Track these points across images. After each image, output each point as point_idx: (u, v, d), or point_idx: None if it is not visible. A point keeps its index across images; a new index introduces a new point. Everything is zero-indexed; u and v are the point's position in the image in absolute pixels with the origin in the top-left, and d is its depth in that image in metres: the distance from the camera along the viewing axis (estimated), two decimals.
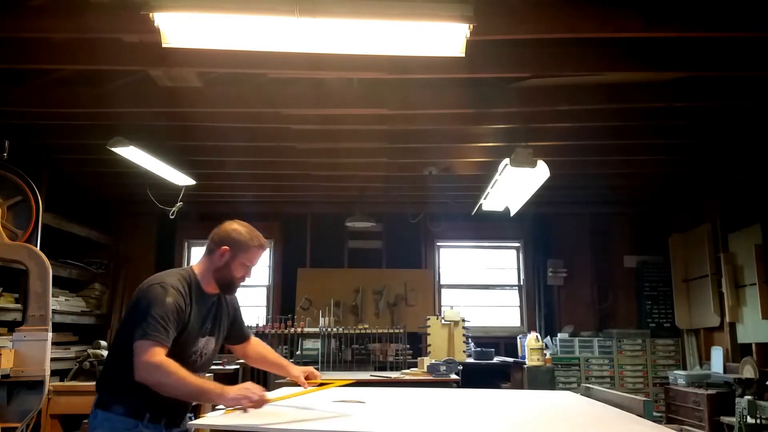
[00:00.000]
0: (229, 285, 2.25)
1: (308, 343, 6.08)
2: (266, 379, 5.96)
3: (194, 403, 2.39)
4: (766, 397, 4.98)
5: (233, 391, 1.98)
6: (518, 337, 6.93)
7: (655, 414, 6.04)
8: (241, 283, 2.30)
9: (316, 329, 5.94)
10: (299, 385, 2.50)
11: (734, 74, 3.92)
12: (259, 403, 1.99)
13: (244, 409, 2.01)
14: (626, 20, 3.12)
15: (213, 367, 5.47)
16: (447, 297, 7.65)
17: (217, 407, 2.30)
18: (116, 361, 2.12)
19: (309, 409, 2.33)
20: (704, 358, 6.52)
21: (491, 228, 7.36)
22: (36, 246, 3.74)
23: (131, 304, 2.13)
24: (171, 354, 2.09)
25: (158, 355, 1.96)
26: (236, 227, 2.26)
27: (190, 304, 2.14)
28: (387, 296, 7.23)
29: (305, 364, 5.47)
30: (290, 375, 2.52)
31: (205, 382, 2.00)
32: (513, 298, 7.72)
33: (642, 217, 7.46)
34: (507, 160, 4.56)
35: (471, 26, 2.43)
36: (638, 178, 6.38)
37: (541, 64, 3.71)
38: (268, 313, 7.32)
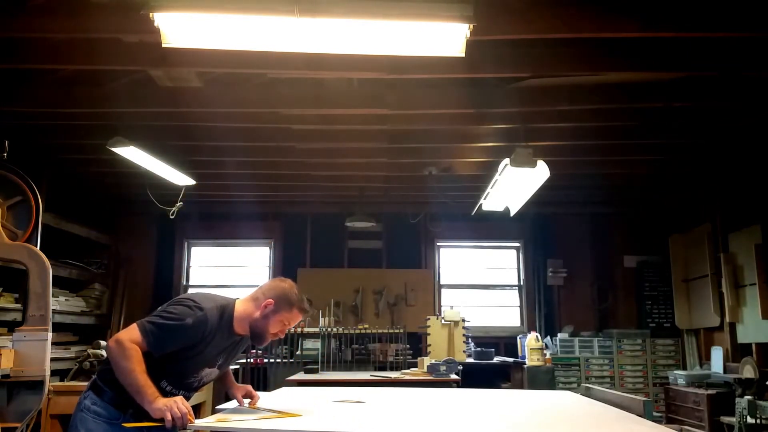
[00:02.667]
0: (260, 337, 2.28)
1: (308, 343, 6.08)
2: (266, 380, 5.96)
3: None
4: (766, 397, 4.98)
5: (161, 402, 1.99)
6: (518, 337, 6.93)
7: (655, 414, 6.04)
8: (272, 339, 2.34)
9: (316, 329, 5.94)
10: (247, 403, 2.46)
11: (734, 74, 3.92)
12: (181, 420, 1.97)
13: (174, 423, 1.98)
14: (625, 20, 3.12)
15: None
16: (447, 297, 7.65)
17: (216, 410, 2.31)
18: None
19: (309, 409, 2.33)
20: (704, 358, 6.52)
21: (491, 228, 7.36)
22: (36, 246, 3.73)
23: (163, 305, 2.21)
24: (172, 371, 2.15)
25: (134, 341, 2.05)
26: (287, 286, 2.31)
27: (213, 337, 2.17)
28: (387, 296, 7.23)
29: (305, 364, 5.51)
30: (231, 391, 2.50)
31: (147, 384, 2.01)
32: (513, 298, 7.72)
33: (642, 217, 7.46)
34: (507, 160, 4.56)
35: (471, 26, 2.43)
36: (638, 178, 6.38)
37: (540, 64, 3.71)
38: None
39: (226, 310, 2.22)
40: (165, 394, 2.13)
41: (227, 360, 2.34)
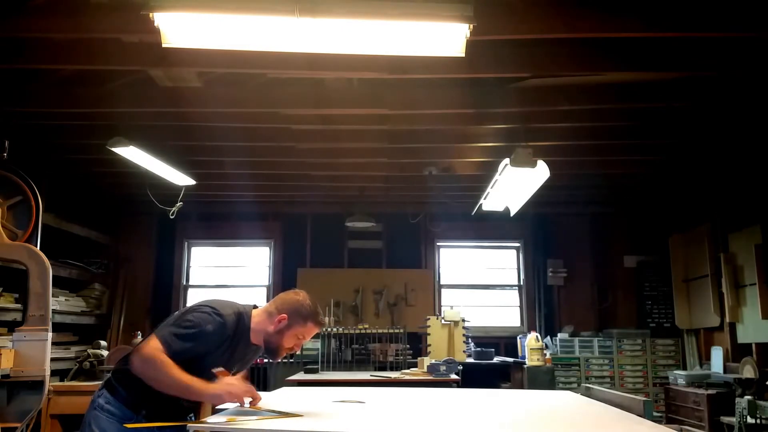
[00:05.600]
0: (275, 351, 2.26)
1: (308, 343, 6.05)
2: (266, 380, 5.97)
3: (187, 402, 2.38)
4: (766, 397, 4.98)
5: (214, 387, 2.01)
6: (518, 337, 6.93)
7: (655, 414, 6.04)
8: (288, 353, 2.33)
9: None
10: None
11: (734, 74, 3.92)
12: (242, 397, 2.00)
13: (241, 404, 2.03)
14: (626, 20, 3.12)
15: None
16: (447, 297, 7.65)
17: (216, 410, 2.31)
18: None
19: (309, 410, 2.33)
20: (704, 358, 6.52)
21: (491, 228, 7.35)
22: (36, 246, 3.73)
23: (182, 309, 2.19)
24: None
25: (158, 352, 2.02)
26: (301, 299, 2.28)
27: (230, 344, 2.17)
28: (387, 296, 7.23)
29: (305, 364, 5.51)
30: None
31: (190, 380, 2.01)
32: (513, 298, 7.72)
33: (642, 217, 7.46)
34: (507, 160, 4.56)
35: (471, 26, 2.43)
36: (638, 178, 6.38)
37: (540, 64, 3.71)
38: None
39: (242, 318, 2.21)
40: (179, 398, 2.13)
41: (241, 368, 2.34)
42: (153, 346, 2.03)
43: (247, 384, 2.05)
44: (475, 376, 5.71)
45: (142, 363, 2.02)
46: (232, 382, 2.02)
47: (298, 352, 5.99)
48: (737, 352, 5.89)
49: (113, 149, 4.64)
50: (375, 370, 5.65)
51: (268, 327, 2.23)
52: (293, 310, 2.24)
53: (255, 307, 2.32)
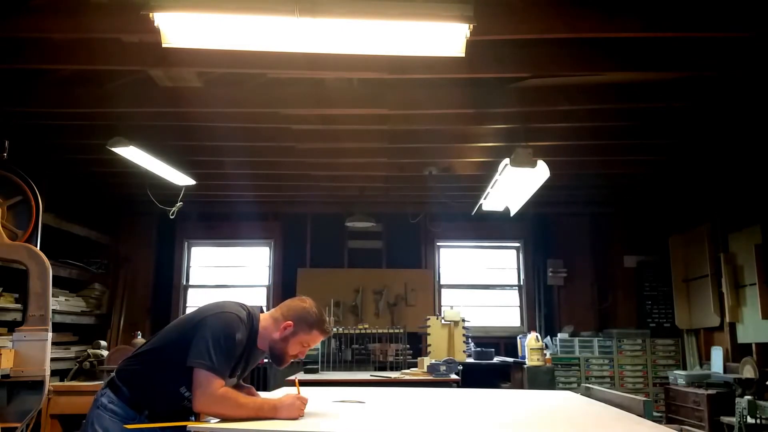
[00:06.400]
0: (280, 358, 2.27)
1: None
2: (266, 380, 5.96)
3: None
4: (766, 397, 4.98)
5: (284, 407, 2.06)
6: (518, 337, 6.93)
7: (655, 414, 6.04)
8: (292, 360, 2.34)
9: None
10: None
11: (734, 74, 3.92)
12: (303, 408, 2.10)
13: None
14: (626, 20, 3.12)
15: None
16: (447, 297, 7.65)
17: None
18: (149, 359, 2.17)
19: (309, 410, 2.33)
20: (704, 358, 6.53)
21: (491, 228, 7.36)
22: (36, 246, 3.73)
23: (197, 317, 2.15)
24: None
25: (220, 388, 2.03)
26: (307, 306, 2.28)
27: (244, 350, 2.18)
28: (387, 296, 7.23)
29: (305, 364, 5.51)
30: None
31: (257, 405, 2.06)
32: (513, 298, 7.72)
33: (642, 217, 7.46)
34: (507, 160, 4.56)
35: (471, 26, 2.43)
36: (638, 178, 6.38)
37: (540, 64, 3.71)
38: None
39: (253, 321, 2.22)
40: (183, 399, 2.13)
41: (244, 371, 2.35)
42: (216, 384, 2.01)
43: (296, 395, 2.12)
44: (475, 376, 5.71)
45: (207, 408, 2.02)
46: (294, 396, 2.10)
47: None
48: (737, 352, 5.89)
49: (113, 149, 4.64)
50: (375, 370, 5.65)
51: (274, 333, 2.23)
52: (299, 318, 2.24)
53: (262, 310, 2.32)
